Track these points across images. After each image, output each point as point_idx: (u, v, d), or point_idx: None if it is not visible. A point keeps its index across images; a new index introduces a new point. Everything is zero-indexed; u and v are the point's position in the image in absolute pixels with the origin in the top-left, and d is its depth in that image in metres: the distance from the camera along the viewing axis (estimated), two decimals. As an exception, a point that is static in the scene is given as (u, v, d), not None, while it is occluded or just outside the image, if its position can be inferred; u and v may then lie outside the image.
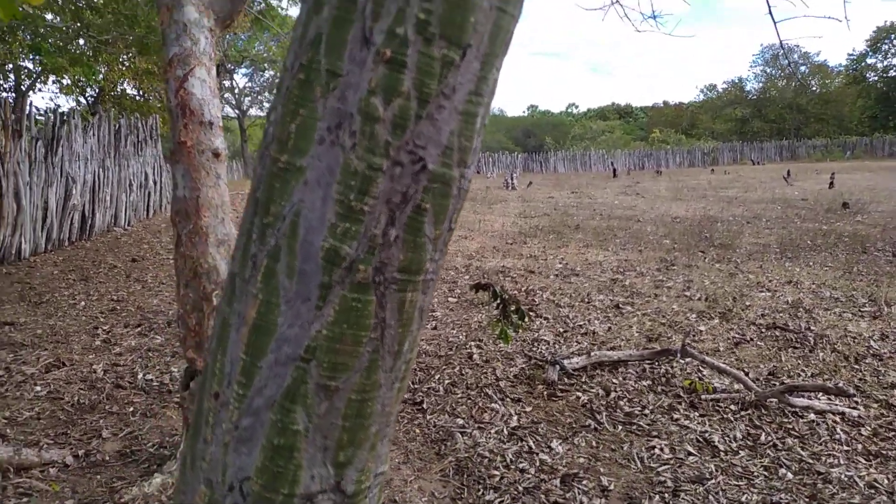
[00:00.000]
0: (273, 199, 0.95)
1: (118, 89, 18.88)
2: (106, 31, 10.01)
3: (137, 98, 19.82)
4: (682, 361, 4.44)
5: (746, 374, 4.20)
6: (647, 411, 3.78)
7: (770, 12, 2.60)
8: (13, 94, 15.68)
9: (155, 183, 13.06)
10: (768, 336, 5.13)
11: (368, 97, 0.87)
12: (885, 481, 3.02)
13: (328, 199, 0.91)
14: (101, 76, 16.36)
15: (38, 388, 4.05)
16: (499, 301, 3.91)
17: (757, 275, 7.28)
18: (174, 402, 3.97)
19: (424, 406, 3.83)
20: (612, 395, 4.01)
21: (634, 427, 3.60)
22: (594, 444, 3.43)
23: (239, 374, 0.99)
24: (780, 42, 2.74)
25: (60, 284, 7.07)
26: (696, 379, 4.17)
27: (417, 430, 3.55)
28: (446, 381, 4.20)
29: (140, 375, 4.36)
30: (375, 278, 0.93)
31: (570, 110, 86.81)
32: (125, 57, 14.30)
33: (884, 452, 3.28)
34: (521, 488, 2.97)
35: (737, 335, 5.16)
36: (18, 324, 5.45)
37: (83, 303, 6.34)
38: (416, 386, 4.13)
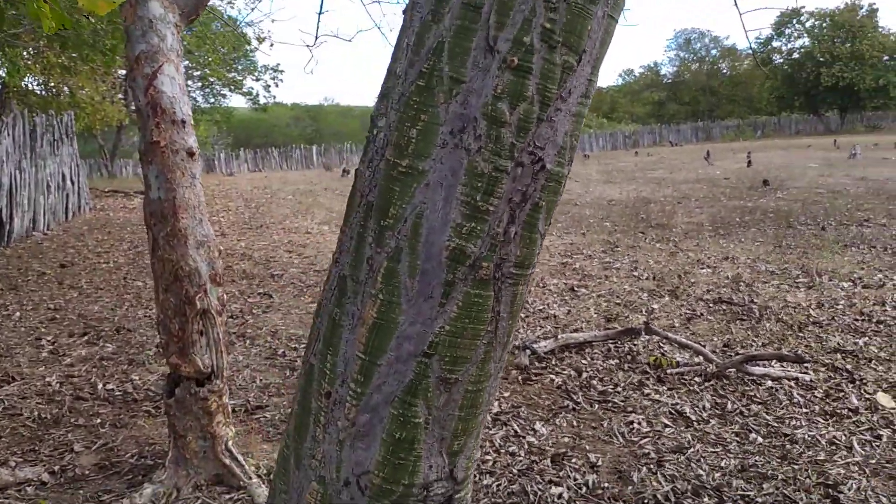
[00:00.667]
0: (392, 202, 0.97)
1: (22, 85, 17.80)
2: (17, 25, 9.41)
3: (44, 94, 18.75)
4: (644, 339, 4.65)
5: (704, 347, 4.43)
6: (619, 388, 3.95)
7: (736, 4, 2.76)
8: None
9: (73, 183, 12.43)
10: (716, 310, 5.42)
11: (494, 102, 0.90)
12: (843, 437, 3.27)
13: (451, 199, 0.94)
14: (1, 72, 15.36)
15: (-7, 406, 3.83)
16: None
17: (696, 252, 7.65)
18: (143, 410, 3.84)
19: (406, 397, 3.86)
20: (584, 375, 4.16)
21: (610, 404, 3.75)
22: (575, 423, 3.56)
23: (356, 372, 1.01)
24: (746, 33, 2.90)
25: (-11, 295, 6.66)
26: (660, 355, 4.37)
27: (404, 422, 3.58)
28: (422, 372, 4.24)
29: (100, 386, 4.19)
30: (495, 274, 0.97)
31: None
32: (28, 52, 13.49)
33: (838, 412, 3.55)
34: (515, 471, 3.05)
35: (688, 311, 5.43)
36: (-47, 339, 5.12)
37: (18, 313, 6.00)
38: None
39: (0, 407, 3.80)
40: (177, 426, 2.93)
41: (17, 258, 8.61)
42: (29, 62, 13.71)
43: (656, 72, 57.62)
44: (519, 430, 3.48)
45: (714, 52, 53.72)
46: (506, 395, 3.93)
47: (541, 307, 5.75)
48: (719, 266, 6.92)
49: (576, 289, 6.31)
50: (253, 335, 5.20)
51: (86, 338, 5.23)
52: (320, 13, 4.68)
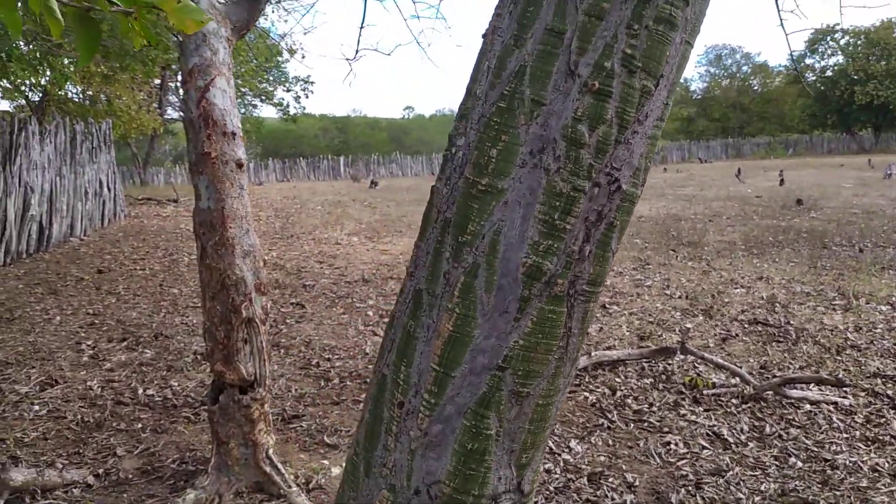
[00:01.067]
0: (471, 219, 0.99)
1: (62, 93, 18.26)
2: (62, 36, 9.68)
3: (83, 103, 19.21)
4: (679, 358, 4.61)
5: (740, 368, 4.38)
6: (654, 408, 3.92)
7: (781, 24, 2.76)
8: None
9: (109, 190, 12.70)
10: (752, 331, 5.36)
11: (574, 124, 0.93)
12: (886, 465, 3.21)
13: (529, 217, 0.96)
14: (44, 80, 15.79)
15: (37, 408, 3.93)
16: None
17: (729, 272, 7.57)
18: (182, 416, 3.91)
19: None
20: (619, 393, 4.14)
21: (646, 424, 3.73)
22: (611, 442, 3.54)
23: (430, 383, 1.03)
24: (790, 49, 2.90)
25: (29, 299, 6.83)
26: (696, 375, 4.34)
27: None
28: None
29: (140, 391, 4.27)
30: (569, 291, 0.99)
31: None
32: (69, 60, 13.87)
33: (879, 438, 3.49)
34: (551, 488, 3.05)
35: (722, 331, 5.37)
36: (-3, 341, 5.26)
37: (58, 317, 6.15)
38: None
39: (45, 409, 3.90)
40: (220, 433, 2.98)
41: (55, 263, 8.82)
42: (70, 71, 14.08)
43: (686, 87, 57.24)
44: (554, 448, 3.47)
45: (745, 68, 53.24)
46: (539, 410, 3.92)
47: (572, 323, 5.72)
48: (753, 286, 6.84)
49: (607, 306, 6.28)
50: (287, 345, 5.26)
51: (125, 343, 5.34)
52: (362, 27, 4.76)
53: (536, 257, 0.96)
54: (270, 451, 3.04)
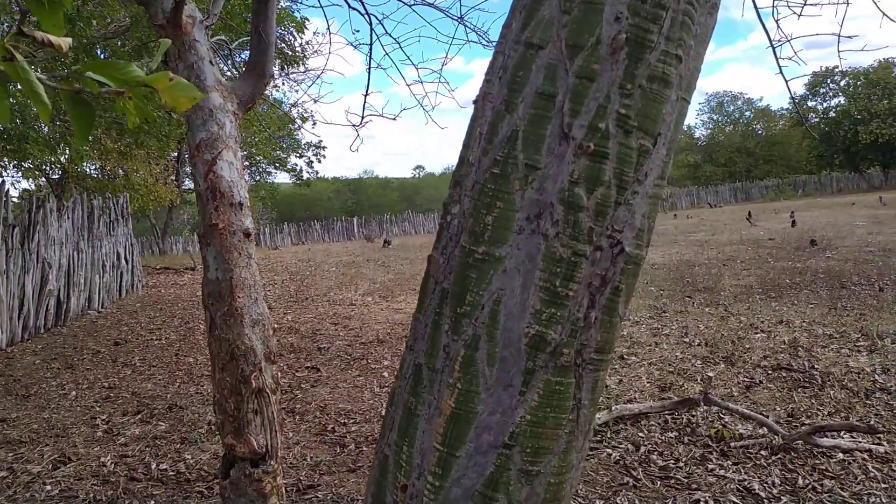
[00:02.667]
0: (469, 289, 0.96)
1: (80, 169, 18.75)
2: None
3: (101, 178, 19.69)
4: (703, 410, 4.47)
5: (768, 418, 4.24)
6: (681, 463, 3.78)
7: (781, 72, 2.77)
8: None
9: (127, 262, 12.84)
10: (776, 377, 5.21)
11: (571, 187, 0.90)
12: (930, 516, 3.05)
13: (529, 285, 0.93)
14: (63, 158, 16.26)
15: (49, 488, 3.86)
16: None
17: (748, 316, 7.44)
18: (196, 491, 3.82)
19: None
20: (643, 448, 4.00)
21: (673, 481, 3.59)
22: (637, 502, 3.40)
23: (434, 464, 0.98)
24: (791, 94, 2.90)
25: (45, 374, 6.82)
26: (721, 426, 4.20)
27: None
28: (474, 448, 4.14)
29: (153, 466, 4.19)
30: (576, 361, 0.95)
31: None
32: (91, 138, 14.30)
33: (920, 487, 3.32)
34: (577, 554, 2.92)
35: (745, 378, 5.23)
36: (11, 419, 5.22)
37: (73, 392, 6.11)
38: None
39: (57, 489, 3.82)
40: (231, 509, 2.89)
41: (72, 336, 8.84)
42: (87, 148, 14.46)
43: (690, 135, 57.82)
44: (578, 510, 3.33)
45: (748, 113, 53.77)
46: (561, 471, 3.79)
47: (591, 377, 5.60)
48: (774, 330, 6.70)
49: (625, 357, 6.16)
50: (302, 411, 5.17)
51: (139, 416, 5.28)
52: (366, 95, 4.85)
53: (539, 326, 0.92)
54: (284, 526, 2.93)
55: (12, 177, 19.66)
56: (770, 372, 5.37)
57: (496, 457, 0.95)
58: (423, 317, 1.03)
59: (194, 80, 3.03)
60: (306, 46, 10.30)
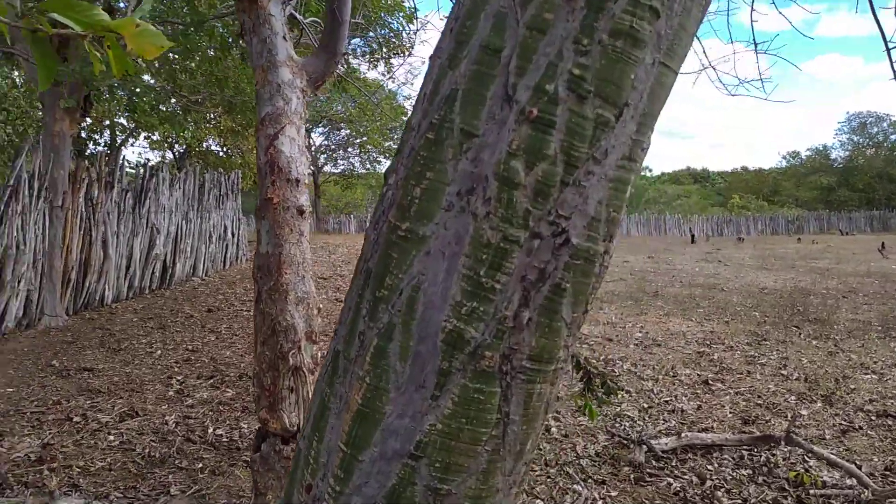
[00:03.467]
0: (389, 271, 0.83)
1: (204, 146, 19.93)
2: (196, 92, 10.58)
3: (221, 154, 20.83)
4: (785, 450, 4.06)
5: (860, 468, 3.78)
6: (747, 505, 3.43)
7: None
8: (107, 149, 16.74)
9: (233, 235, 13.48)
10: (880, 425, 4.65)
11: (508, 160, 0.75)
12: None
13: (453, 272, 0.78)
14: (189, 133, 17.37)
15: (112, 438, 4.05)
16: (583, 373, 3.68)
17: (860, 354, 6.73)
18: (243, 459, 3.88)
19: (501, 482, 3.60)
20: (708, 483, 3.67)
21: (734, 522, 3.26)
22: (688, 539, 3.11)
23: (336, 466, 0.86)
24: None
25: (139, 332, 7.25)
26: (803, 471, 3.78)
27: (494, 510, 3.32)
28: (523, 456, 3.96)
29: (210, 430, 4.31)
30: (502, 367, 0.79)
31: (643, 174, 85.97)
32: (212, 116, 15.14)
33: None
34: (608, 586, 2.69)
35: (843, 422, 4.71)
36: (97, 370, 5.57)
37: (159, 351, 6.45)
38: (491, 459, 3.91)
39: (118, 440, 4.01)
40: (259, 483, 2.89)
41: (172, 300, 9.37)
42: (209, 126, 15.36)
43: (826, 155, 53.67)
44: (621, 538, 3.09)
45: (893, 137, 49.20)
46: (613, 493, 3.55)
47: (667, 398, 5.25)
48: (887, 373, 6.01)
49: (710, 382, 5.73)
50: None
51: (211, 381, 5.48)
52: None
53: (458, 321, 0.78)
54: (309, 508, 2.90)
55: (142, 147, 21.24)
56: (874, 418, 4.80)
57: (401, 467, 0.81)
58: (348, 298, 0.91)
59: (266, 55, 3.05)
60: (413, 36, 10.38)
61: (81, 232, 7.77)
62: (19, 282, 6.67)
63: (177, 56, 8.96)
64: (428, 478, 0.80)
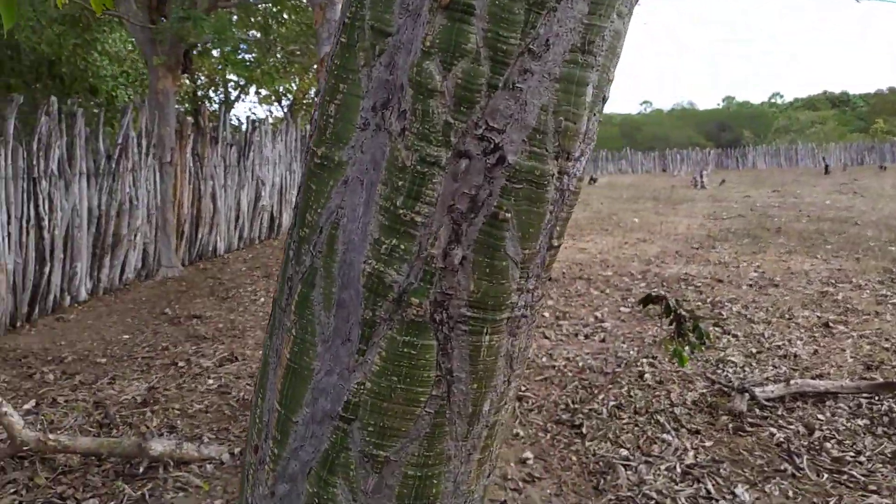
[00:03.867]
0: (309, 205, 0.71)
1: (308, 97, 20.38)
2: (292, 42, 10.73)
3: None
4: (910, 399, 3.64)
5: None
6: (862, 458, 3.11)
7: None
8: (222, 105, 17.54)
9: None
10: None
11: (422, 61, 0.60)
12: None
13: (371, 205, 0.65)
14: (292, 86, 17.84)
15: (211, 382, 4.28)
16: (673, 316, 3.44)
17: None
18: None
19: (584, 430, 3.47)
20: (817, 434, 3.36)
21: (845, 477, 2.97)
22: (790, 493, 2.86)
23: (274, 427, 0.77)
24: None
25: (245, 280, 7.60)
26: (930, 422, 3.38)
27: (574, 458, 3.21)
28: (611, 403, 3.80)
29: (306, 374, 4.46)
30: (435, 315, 0.66)
31: (773, 100, 79.18)
32: (315, 67, 15.41)
33: None
34: (692, 541, 2.53)
35: None
36: (205, 317, 5.90)
37: (262, 298, 6.74)
38: (576, 406, 3.78)
39: (217, 384, 4.23)
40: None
41: (280, 249, 9.78)
42: (311, 77, 15.67)
43: None
44: (713, 491, 2.90)
45: None
46: (707, 444, 3.33)
47: (779, 343, 4.86)
48: None
49: (831, 325, 5.24)
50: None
51: (310, 327, 5.66)
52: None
53: (377, 263, 0.65)
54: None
55: (252, 103, 22.05)
56: None
57: (332, 430, 0.72)
58: (288, 239, 0.81)
59: (322, -7, 2.96)
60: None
61: (191, 186, 8.19)
62: (135, 235, 7.15)
63: (269, 6, 9.10)
64: (362, 443, 0.70)
